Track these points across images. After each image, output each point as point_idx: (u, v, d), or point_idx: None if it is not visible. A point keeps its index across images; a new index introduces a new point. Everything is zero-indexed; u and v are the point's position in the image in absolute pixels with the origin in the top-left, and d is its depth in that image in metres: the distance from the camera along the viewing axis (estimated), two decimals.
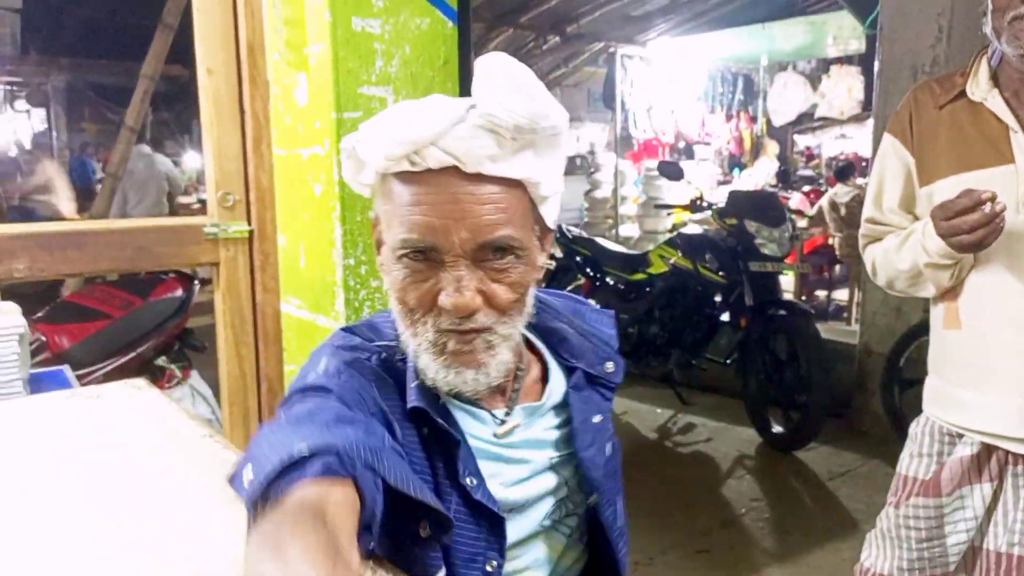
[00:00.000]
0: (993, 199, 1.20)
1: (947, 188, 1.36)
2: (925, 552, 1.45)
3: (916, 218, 1.46)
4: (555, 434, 0.91)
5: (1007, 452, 1.33)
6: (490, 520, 0.83)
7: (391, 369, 0.83)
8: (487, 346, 0.79)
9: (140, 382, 1.13)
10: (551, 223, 0.84)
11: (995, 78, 1.35)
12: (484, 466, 0.84)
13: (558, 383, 0.93)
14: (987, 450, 1.36)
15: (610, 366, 0.95)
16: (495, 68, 0.76)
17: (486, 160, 0.74)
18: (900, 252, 1.42)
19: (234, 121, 1.84)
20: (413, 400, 0.80)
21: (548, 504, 0.91)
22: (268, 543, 0.56)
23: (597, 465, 0.92)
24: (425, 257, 0.76)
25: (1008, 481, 1.34)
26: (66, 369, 1.49)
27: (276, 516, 0.59)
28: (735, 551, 2.77)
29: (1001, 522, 1.35)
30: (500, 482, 0.86)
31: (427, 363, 0.79)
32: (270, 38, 1.78)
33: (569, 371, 0.94)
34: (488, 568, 0.83)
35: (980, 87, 1.35)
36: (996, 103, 1.32)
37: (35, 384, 1.33)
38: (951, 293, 1.39)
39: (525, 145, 0.76)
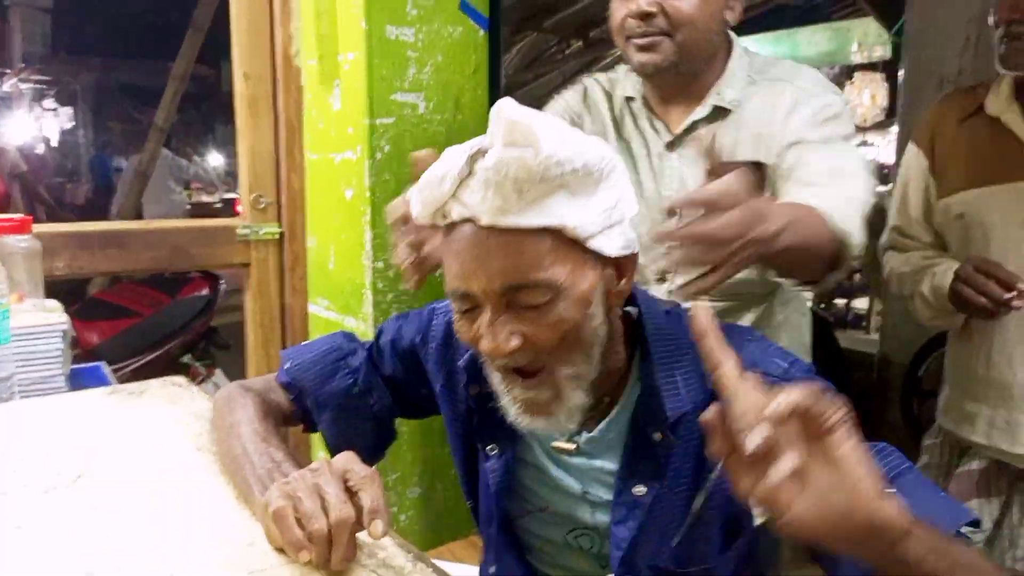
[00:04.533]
0: (1021, 294, 1.21)
1: (964, 202, 1.38)
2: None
3: (935, 231, 1.47)
4: (606, 476, 0.86)
5: (1016, 468, 1.34)
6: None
7: None
8: (553, 393, 0.77)
9: (180, 380, 1.17)
10: (619, 249, 0.77)
11: (1017, 93, 1.35)
12: (529, 452, 0.89)
13: (623, 414, 0.85)
14: (996, 465, 1.37)
15: (657, 436, 0.81)
16: (499, 117, 0.71)
17: (497, 213, 0.72)
18: (907, 281, 1.45)
19: (268, 125, 1.88)
20: (461, 361, 0.90)
21: (567, 525, 0.91)
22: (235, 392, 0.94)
23: (619, 544, 0.83)
24: (466, 305, 0.77)
25: (1016, 497, 1.35)
26: (103, 365, 1.53)
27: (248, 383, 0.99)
28: None
29: (1007, 536, 1.36)
30: (533, 481, 0.91)
31: (506, 404, 0.80)
32: (305, 45, 1.82)
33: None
34: (490, 531, 0.94)
35: (999, 102, 1.35)
36: (1013, 120, 1.32)
37: (74, 380, 1.37)
38: None
39: (547, 192, 0.72)
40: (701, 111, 1.21)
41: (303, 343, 1.05)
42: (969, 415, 1.39)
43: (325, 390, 0.96)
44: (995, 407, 1.35)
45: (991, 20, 1.31)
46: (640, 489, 0.82)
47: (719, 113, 1.20)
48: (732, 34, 1.24)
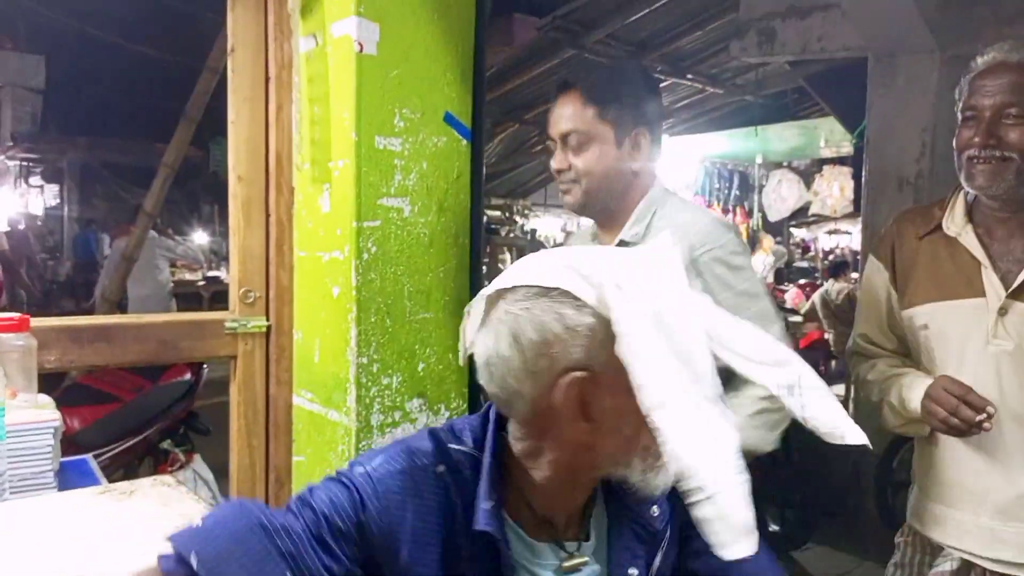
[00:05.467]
0: (990, 417, 1.31)
1: (925, 314, 1.47)
2: None
3: (899, 338, 1.56)
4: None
5: (984, 568, 1.39)
6: None
7: (458, 479, 0.85)
8: None
9: (168, 479, 1.21)
10: None
11: (970, 213, 1.46)
12: None
13: (599, 514, 0.92)
14: (966, 565, 1.42)
15: (655, 510, 0.89)
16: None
17: None
18: (874, 389, 1.54)
19: (259, 224, 1.96)
20: (482, 524, 0.82)
21: None
22: None
23: None
24: None
25: None
26: (90, 459, 1.56)
27: None
28: None
29: None
30: None
31: (648, 479, 0.81)
32: (298, 151, 1.93)
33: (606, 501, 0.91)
34: None
35: (956, 222, 1.46)
36: (969, 239, 1.42)
37: (61, 475, 1.40)
38: None
39: None
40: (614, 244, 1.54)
41: (197, 526, 0.81)
42: (939, 518, 1.44)
43: None
44: (965, 512, 1.40)
45: (955, 142, 1.43)
46: (633, 572, 0.88)
47: (625, 246, 1.49)
48: (656, 176, 1.58)
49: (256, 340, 2.00)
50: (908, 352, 1.56)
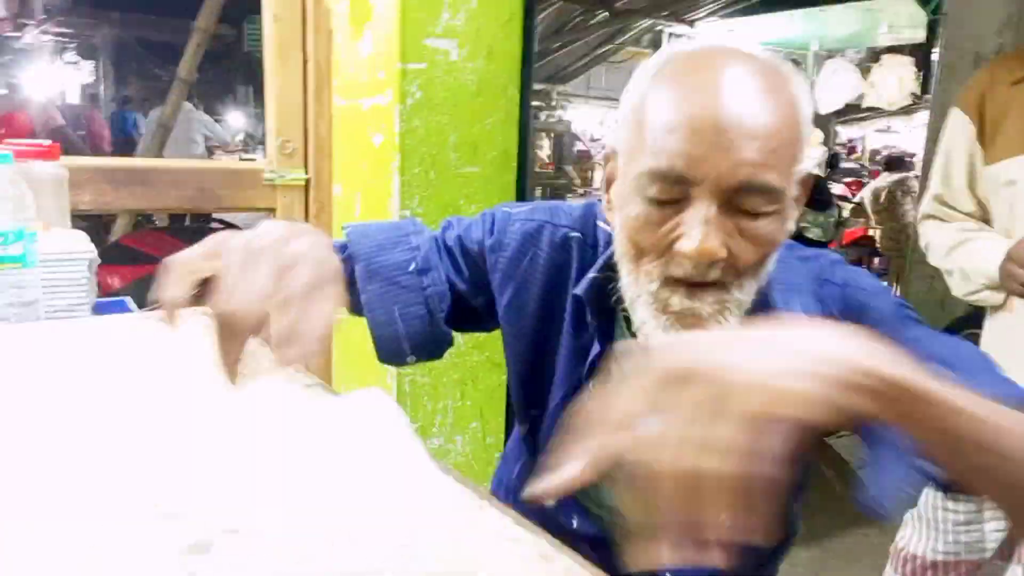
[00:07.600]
0: None
1: (1014, 168, 1.34)
2: (963, 536, 1.45)
3: (980, 201, 1.44)
4: None
5: None
6: None
7: (585, 249, 0.85)
8: (719, 309, 0.68)
9: (208, 309, 1.16)
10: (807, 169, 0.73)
11: None
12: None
13: None
14: None
15: None
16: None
17: None
18: (946, 254, 1.43)
19: (296, 69, 1.85)
20: (579, 288, 0.81)
21: None
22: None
23: None
24: (670, 194, 0.66)
25: None
26: (128, 300, 1.53)
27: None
28: None
29: None
30: None
31: (645, 317, 0.70)
32: None
33: None
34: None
35: None
36: None
37: (100, 310, 1.37)
38: None
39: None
40: None
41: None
42: None
43: (380, 259, 0.84)
44: None
45: None
46: None
47: None
48: None
49: (295, 193, 1.93)
50: (986, 217, 1.45)
